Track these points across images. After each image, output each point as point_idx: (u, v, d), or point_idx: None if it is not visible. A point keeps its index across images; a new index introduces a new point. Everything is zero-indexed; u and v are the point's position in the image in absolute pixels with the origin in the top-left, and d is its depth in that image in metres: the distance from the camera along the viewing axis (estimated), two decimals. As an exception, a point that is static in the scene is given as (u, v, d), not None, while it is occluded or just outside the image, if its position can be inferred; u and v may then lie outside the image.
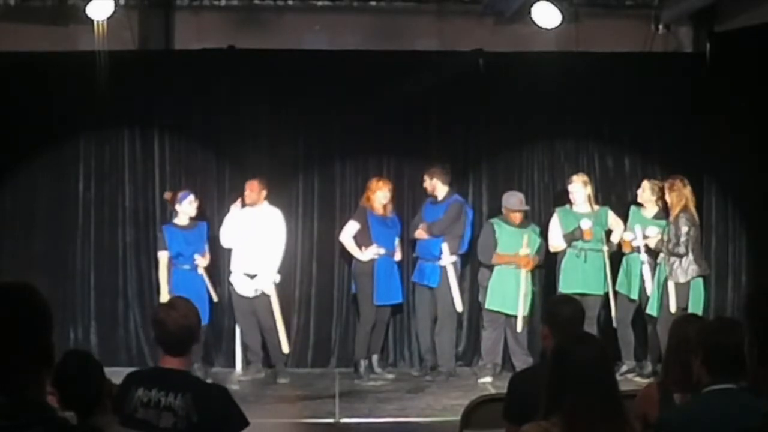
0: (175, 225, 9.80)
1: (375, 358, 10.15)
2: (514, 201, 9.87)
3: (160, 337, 4.43)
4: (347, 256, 10.21)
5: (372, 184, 9.92)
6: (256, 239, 9.78)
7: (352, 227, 9.99)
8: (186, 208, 9.77)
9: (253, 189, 9.83)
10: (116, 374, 4.57)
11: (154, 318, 4.49)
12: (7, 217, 10.45)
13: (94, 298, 10.43)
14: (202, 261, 9.71)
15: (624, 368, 9.69)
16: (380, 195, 9.85)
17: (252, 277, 9.80)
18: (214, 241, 10.01)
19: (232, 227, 9.90)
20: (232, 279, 9.90)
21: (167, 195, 10.00)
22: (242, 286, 9.83)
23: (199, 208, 9.93)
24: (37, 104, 10.10)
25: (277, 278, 9.89)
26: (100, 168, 10.46)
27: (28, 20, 10.09)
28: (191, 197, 9.79)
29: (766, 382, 3.29)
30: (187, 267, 9.70)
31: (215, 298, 9.80)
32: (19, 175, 10.41)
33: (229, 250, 9.97)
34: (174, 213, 9.86)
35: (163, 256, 9.74)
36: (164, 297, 9.60)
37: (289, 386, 9.77)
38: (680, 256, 9.30)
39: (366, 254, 9.87)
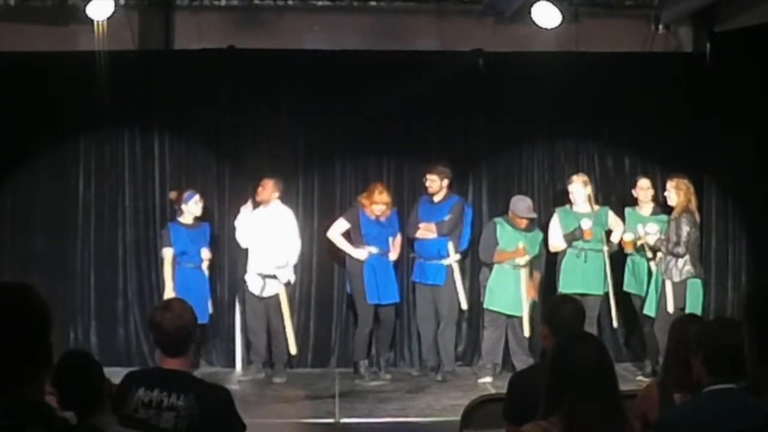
0: (180, 224, 9.82)
1: (381, 357, 10.15)
2: (522, 207, 9.82)
3: (158, 338, 4.44)
4: (338, 255, 10.21)
5: (375, 194, 9.85)
6: (270, 239, 9.78)
7: (340, 225, 10.00)
8: (192, 208, 9.80)
9: (266, 187, 9.83)
10: (116, 374, 4.57)
11: (151, 320, 4.51)
12: (7, 217, 10.45)
13: (94, 298, 10.43)
14: (207, 254, 9.75)
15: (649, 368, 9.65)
16: (376, 208, 9.86)
17: (265, 277, 9.80)
18: (215, 241, 10.04)
19: (248, 227, 9.90)
20: (246, 278, 9.91)
21: (172, 195, 10.03)
22: (256, 285, 9.83)
23: (204, 209, 9.94)
24: (37, 104, 10.10)
25: (292, 278, 9.92)
26: (100, 168, 10.46)
27: (28, 20, 10.09)
28: (197, 197, 9.83)
29: (766, 382, 3.28)
30: (190, 265, 9.73)
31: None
32: (19, 175, 10.41)
33: (239, 250, 9.99)
34: (179, 212, 9.87)
35: (167, 253, 9.74)
36: (169, 294, 9.63)
37: (289, 386, 9.78)
38: (679, 256, 9.29)
39: (360, 252, 9.86)
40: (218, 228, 10.28)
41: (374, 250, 9.84)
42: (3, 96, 10.03)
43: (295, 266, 10.02)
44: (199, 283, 9.70)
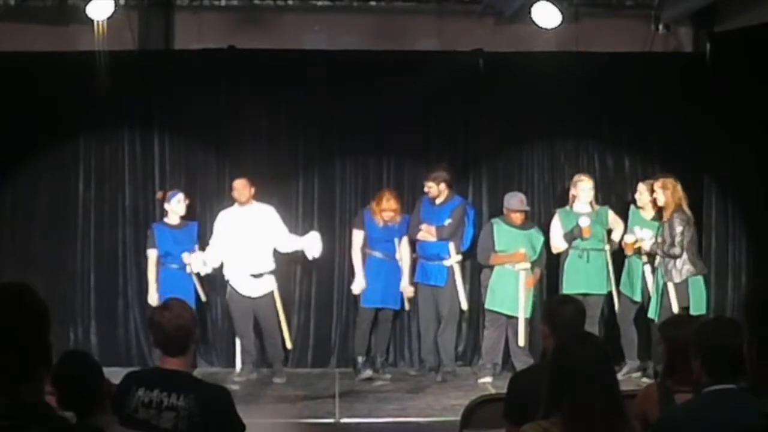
0: (165, 224, 9.84)
1: (378, 358, 10.17)
2: (514, 201, 9.87)
3: (158, 338, 4.45)
4: (338, 254, 10.30)
5: (383, 201, 9.87)
6: (254, 239, 9.77)
7: (358, 237, 10.02)
8: (174, 207, 9.79)
9: (240, 188, 9.80)
10: (116, 374, 4.58)
11: (150, 320, 4.52)
12: (7, 217, 10.45)
13: (94, 298, 10.43)
14: (189, 258, 9.73)
15: (626, 368, 9.69)
16: (385, 215, 9.87)
17: (255, 277, 9.79)
18: (205, 240, 10.04)
19: (229, 229, 9.88)
20: (232, 280, 9.88)
21: (159, 194, 10.03)
22: (245, 286, 9.81)
23: (190, 207, 9.93)
24: (37, 104, 10.10)
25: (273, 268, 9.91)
26: (100, 168, 10.46)
27: (28, 20, 10.09)
28: (180, 196, 9.82)
29: (766, 382, 3.28)
30: (175, 266, 9.73)
31: (203, 298, 9.82)
32: (19, 175, 10.40)
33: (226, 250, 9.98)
34: (164, 212, 9.87)
35: (152, 254, 9.78)
36: (152, 295, 9.74)
37: (289, 386, 9.78)
38: (676, 257, 9.29)
39: (355, 286, 9.98)
40: (212, 228, 10.27)
41: (362, 286, 9.90)
42: (3, 96, 10.03)
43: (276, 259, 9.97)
44: (184, 283, 9.64)
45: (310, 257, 9.98)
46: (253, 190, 9.85)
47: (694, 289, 9.34)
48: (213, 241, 9.89)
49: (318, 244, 9.96)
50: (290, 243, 9.94)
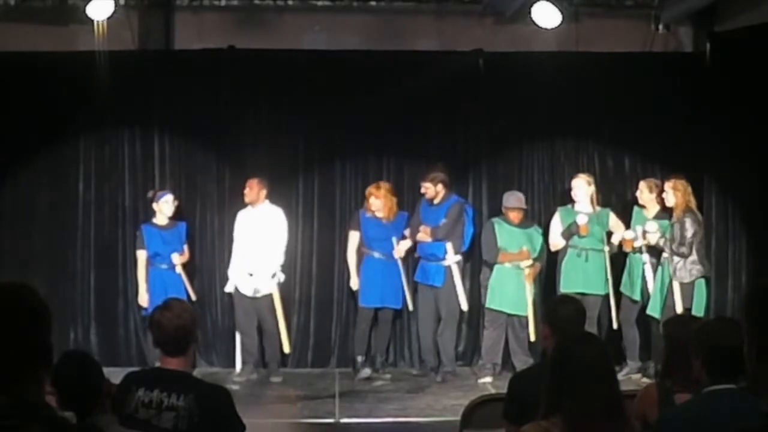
0: (154, 224, 9.86)
1: (378, 358, 10.17)
2: (512, 200, 9.91)
3: (158, 338, 4.44)
4: (338, 254, 10.33)
5: (372, 188, 9.94)
6: (258, 239, 9.78)
7: (354, 239, 10.04)
8: (163, 207, 9.82)
9: (252, 188, 9.83)
10: (116, 374, 4.58)
11: (150, 320, 4.52)
12: (7, 217, 10.45)
13: (94, 298, 10.44)
14: (178, 259, 9.75)
15: (627, 369, 9.69)
16: (373, 202, 9.90)
17: (257, 277, 9.81)
18: (195, 240, 10.12)
19: (237, 228, 9.92)
20: (235, 277, 9.89)
21: (150, 194, 10.04)
22: (245, 285, 9.83)
23: (179, 208, 9.94)
24: (37, 104, 10.10)
25: (282, 277, 9.92)
26: (100, 168, 10.46)
27: (28, 20, 10.10)
28: (168, 196, 9.85)
29: (766, 382, 3.28)
30: (164, 266, 9.76)
31: (194, 297, 9.81)
32: (19, 175, 10.41)
33: (222, 250, 10.00)
34: (153, 212, 9.89)
35: (141, 255, 9.83)
36: (142, 296, 9.82)
37: (289, 386, 9.78)
38: (684, 257, 9.29)
39: (353, 282, 10.04)
40: (218, 228, 10.28)
41: (356, 285, 9.97)
42: (2, 96, 10.03)
43: (283, 265, 9.99)
44: (173, 283, 9.67)
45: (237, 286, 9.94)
46: (264, 192, 9.85)
47: (697, 290, 9.34)
48: (233, 256, 9.93)
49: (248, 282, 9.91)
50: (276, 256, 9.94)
